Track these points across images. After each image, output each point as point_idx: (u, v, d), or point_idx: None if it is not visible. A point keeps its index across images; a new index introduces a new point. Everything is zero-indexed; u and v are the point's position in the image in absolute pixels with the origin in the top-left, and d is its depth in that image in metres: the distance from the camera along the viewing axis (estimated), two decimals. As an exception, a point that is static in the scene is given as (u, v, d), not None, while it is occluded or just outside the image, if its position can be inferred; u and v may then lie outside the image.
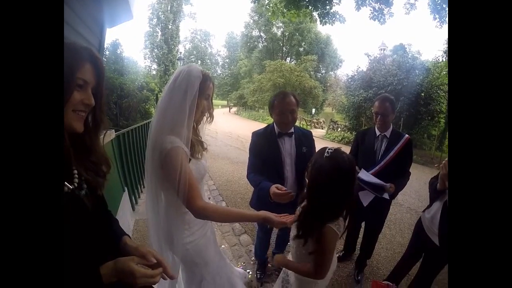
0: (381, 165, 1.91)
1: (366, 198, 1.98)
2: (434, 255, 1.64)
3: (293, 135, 1.81)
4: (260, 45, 35.14)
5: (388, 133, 1.96)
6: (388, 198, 1.71)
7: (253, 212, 1.22)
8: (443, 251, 1.56)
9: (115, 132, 2.78)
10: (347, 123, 14.07)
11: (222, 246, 2.68)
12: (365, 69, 13.38)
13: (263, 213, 1.13)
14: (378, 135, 1.98)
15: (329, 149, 1.06)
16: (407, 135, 1.95)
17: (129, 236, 0.90)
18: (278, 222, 1.12)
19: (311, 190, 1.12)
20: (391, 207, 2.15)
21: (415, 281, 1.82)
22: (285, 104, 1.69)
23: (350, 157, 1.07)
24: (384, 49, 19.87)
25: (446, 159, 1.43)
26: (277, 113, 1.73)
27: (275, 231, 2.47)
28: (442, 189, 1.51)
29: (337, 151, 1.06)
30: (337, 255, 2.46)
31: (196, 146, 1.21)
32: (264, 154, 1.76)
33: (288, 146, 1.79)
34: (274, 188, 1.43)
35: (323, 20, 6.84)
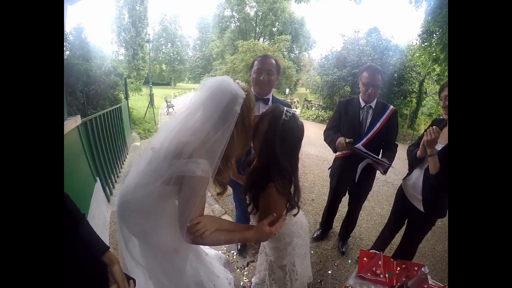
0: (368, 137, 1.88)
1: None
2: (419, 221, 1.68)
3: (269, 102, 1.72)
4: (233, 25, 33.84)
5: (373, 104, 1.92)
6: (384, 174, 1.70)
7: (245, 228, 1.10)
8: (427, 216, 1.61)
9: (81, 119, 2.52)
10: (320, 102, 14.21)
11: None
12: (339, 49, 13.41)
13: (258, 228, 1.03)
14: (363, 106, 1.93)
15: (286, 111, 1.02)
16: (392, 106, 1.92)
17: (109, 248, 0.87)
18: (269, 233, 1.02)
19: (262, 147, 1.06)
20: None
21: (401, 247, 1.87)
22: (263, 63, 1.66)
23: (302, 125, 1.08)
24: (358, 31, 19.97)
25: (434, 127, 1.42)
26: (254, 71, 1.68)
27: None
28: (422, 155, 1.52)
29: (294, 117, 1.04)
30: (314, 235, 2.51)
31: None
32: None
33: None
34: None
35: (299, -2, 6.66)
